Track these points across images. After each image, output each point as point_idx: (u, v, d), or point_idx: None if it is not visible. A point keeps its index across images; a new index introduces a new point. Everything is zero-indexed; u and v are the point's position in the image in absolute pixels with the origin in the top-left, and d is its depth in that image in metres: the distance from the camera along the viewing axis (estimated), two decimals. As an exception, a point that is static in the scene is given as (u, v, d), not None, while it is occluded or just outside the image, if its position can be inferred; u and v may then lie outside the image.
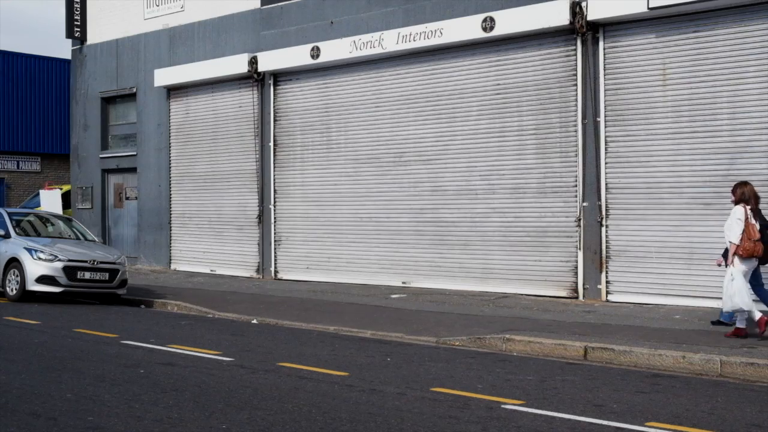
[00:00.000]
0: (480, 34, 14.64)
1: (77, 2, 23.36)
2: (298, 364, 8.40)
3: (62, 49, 41.65)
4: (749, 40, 12.23)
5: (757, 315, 9.45)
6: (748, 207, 9.65)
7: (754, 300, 9.76)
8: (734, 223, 9.54)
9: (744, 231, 9.45)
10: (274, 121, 18.50)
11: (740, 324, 9.65)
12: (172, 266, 20.83)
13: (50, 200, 23.16)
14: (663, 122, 13.01)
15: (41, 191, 24.31)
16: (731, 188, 10.13)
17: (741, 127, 12.29)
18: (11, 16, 63.67)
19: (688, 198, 12.76)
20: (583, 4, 13.44)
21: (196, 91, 20.27)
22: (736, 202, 9.78)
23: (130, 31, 22.10)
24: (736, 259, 9.49)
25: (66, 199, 23.98)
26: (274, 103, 18.52)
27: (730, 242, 9.55)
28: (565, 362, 9.03)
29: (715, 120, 12.52)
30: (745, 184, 9.96)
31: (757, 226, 9.58)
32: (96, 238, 16.38)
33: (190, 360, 8.62)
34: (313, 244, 17.77)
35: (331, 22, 17.41)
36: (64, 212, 21.77)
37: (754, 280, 9.92)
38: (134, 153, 21.87)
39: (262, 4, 18.84)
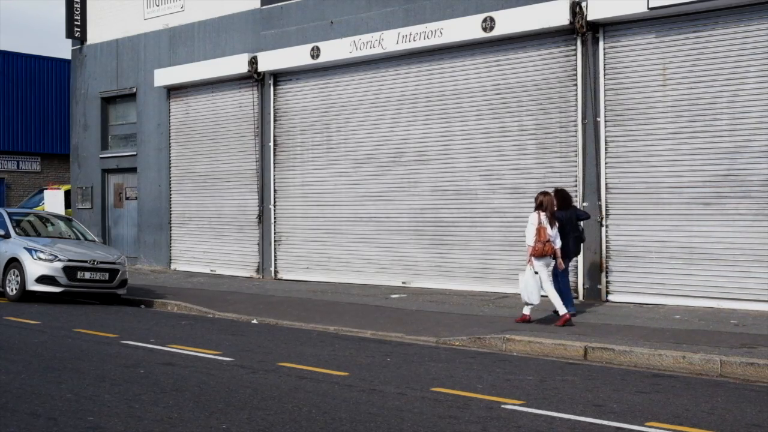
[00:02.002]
0: (480, 34, 14.64)
1: (77, 2, 23.36)
2: (298, 364, 8.40)
3: (62, 49, 41.72)
4: (749, 40, 12.23)
5: (562, 311, 10.94)
6: (543, 214, 11.02)
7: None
8: (530, 228, 11.03)
9: (537, 234, 10.89)
10: (274, 121, 18.50)
11: (526, 311, 11.30)
12: (172, 266, 20.84)
13: (54, 200, 23.30)
14: (663, 122, 13.01)
15: (45, 191, 24.38)
16: (535, 196, 11.50)
17: (741, 127, 12.29)
18: (11, 16, 63.70)
19: (688, 198, 12.76)
20: (583, 4, 13.44)
21: (196, 91, 20.27)
22: (535, 209, 11.16)
23: (130, 31, 22.10)
24: (533, 260, 10.93)
25: (66, 198, 24.01)
26: (274, 103, 18.52)
27: (527, 245, 11.03)
28: (565, 362, 9.04)
29: (715, 120, 12.52)
30: (545, 194, 11.30)
31: (549, 230, 10.98)
32: (96, 238, 16.38)
33: (190, 360, 8.62)
34: (313, 244, 17.77)
35: (331, 22, 17.42)
36: (64, 212, 21.81)
37: (553, 276, 11.32)
38: (134, 153, 21.87)
39: (262, 4, 18.84)
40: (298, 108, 18.09)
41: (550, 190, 11.63)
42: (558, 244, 11.07)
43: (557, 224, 11.14)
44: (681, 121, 12.84)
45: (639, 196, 13.22)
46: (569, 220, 11.50)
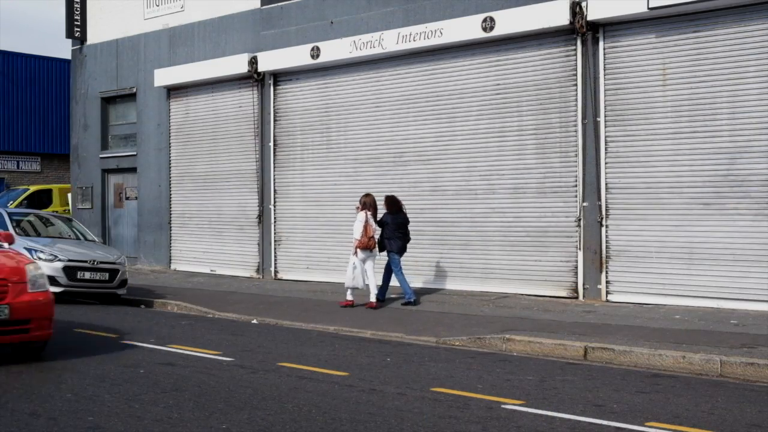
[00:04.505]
0: (480, 34, 14.63)
1: (77, 2, 23.35)
2: (298, 364, 8.40)
3: (62, 49, 41.70)
4: (749, 40, 12.22)
5: (372, 298, 13.15)
6: (369, 213, 13.12)
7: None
8: (357, 224, 13.04)
9: (364, 230, 12.94)
10: (274, 121, 18.49)
11: (349, 297, 13.22)
12: (172, 266, 20.83)
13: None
14: (663, 122, 13.01)
15: (69, 194, 24.56)
16: (359, 198, 13.53)
17: (741, 127, 12.29)
18: (11, 16, 63.72)
19: (688, 198, 12.76)
20: (583, 4, 13.43)
21: (196, 91, 20.26)
22: (361, 209, 13.16)
23: (130, 31, 22.09)
24: (358, 251, 12.94)
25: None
26: (274, 103, 18.51)
27: (354, 238, 13.01)
28: (565, 362, 9.04)
29: (715, 120, 12.52)
30: (367, 195, 13.44)
31: (374, 227, 13.15)
32: (96, 238, 16.37)
33: (190, 360, 8.62)
34: (313, 244, 17.77)
35: (331, 22, 17.41)
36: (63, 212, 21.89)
37: (387, 267, 13.56)
38: (134, 153, 21.86)
39: (262, 4, 18.83)
40: (298, 108, 18.09)
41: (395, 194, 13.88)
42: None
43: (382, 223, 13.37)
44: (681, 121, 12.84)
45: (639, 196, 13.22)
46: (403, 224, 13.46)
